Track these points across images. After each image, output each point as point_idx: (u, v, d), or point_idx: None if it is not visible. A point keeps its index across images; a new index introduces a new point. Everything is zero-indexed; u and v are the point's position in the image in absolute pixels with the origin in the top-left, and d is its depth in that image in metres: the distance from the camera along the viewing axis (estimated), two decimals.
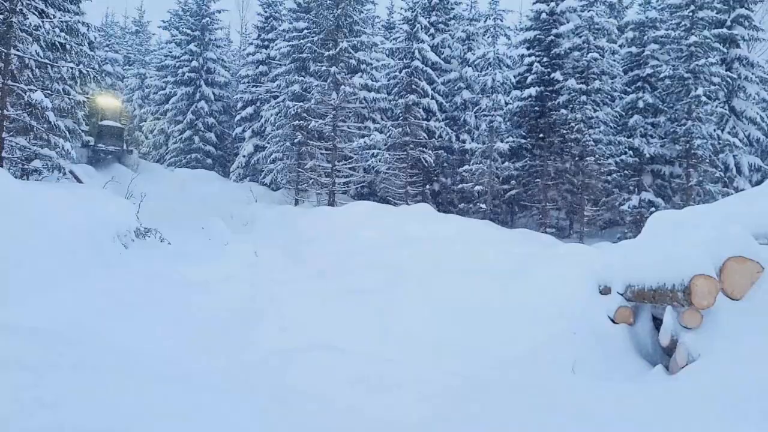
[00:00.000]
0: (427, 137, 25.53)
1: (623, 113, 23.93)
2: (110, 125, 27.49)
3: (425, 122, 25.40)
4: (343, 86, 24.70)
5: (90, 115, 25.92)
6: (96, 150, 26.51)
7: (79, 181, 17.93)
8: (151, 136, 37.61)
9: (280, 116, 27.99)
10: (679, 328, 6.20)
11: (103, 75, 31.56)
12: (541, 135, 23.72)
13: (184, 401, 4.27)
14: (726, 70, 23.47)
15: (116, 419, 3.68)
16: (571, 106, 22.43)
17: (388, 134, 25.37)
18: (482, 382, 5.74)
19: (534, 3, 24.99)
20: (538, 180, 23.64)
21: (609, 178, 22.99)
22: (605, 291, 7.77)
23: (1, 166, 13.07)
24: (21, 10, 13.64)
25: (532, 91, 23.27)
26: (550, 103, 23.27)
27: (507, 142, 23.68)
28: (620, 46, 25.83)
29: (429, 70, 26.09)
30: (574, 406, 5.15)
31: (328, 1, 25.61)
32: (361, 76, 25.39)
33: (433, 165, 25.71)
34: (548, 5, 24.22)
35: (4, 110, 13.61)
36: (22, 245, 7.83)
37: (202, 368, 5.82)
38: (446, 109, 27.03)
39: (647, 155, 23.04)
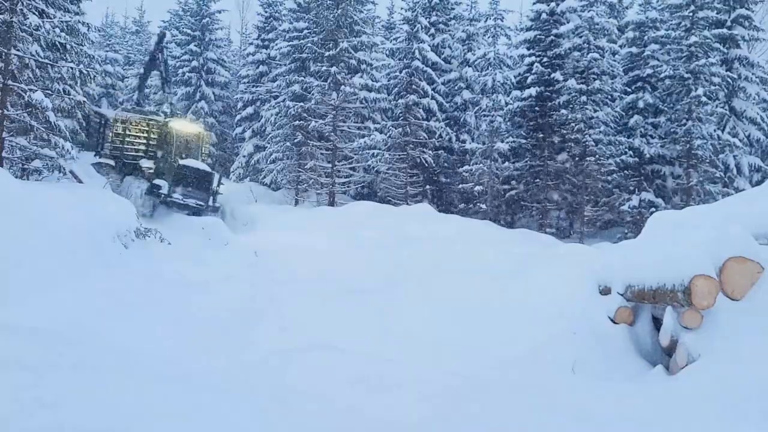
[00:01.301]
0: (427, 137, 25.53)
1: (623, 113, 23.93)
2: (196, 169, 18.39)
3: (425, 122, 25.40)
4: (343, 86, 24.71)
5: (160, 145, 19.81)
6: (170, 203, 17.70)
7: (79, 181, 17.91)
8: None
9: (280, 116, 28.00)
10: (679, 328, 6.19)
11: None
12: (541, 135, 23.72)
13: (184, 401, 4.26)
14: (726, 71, 23.46)
15: (116, 419, 3.68)
16: (571, 106, 22.43)
17: (388, 134, 25.37)
18: (482, 382, 5.73)
19: (534, 3, 24.99)
20: (538, 180, 23.64)
21: (609, 178, 22.99)
22: (605, 291, 7.77)
23: (1, 166, 13.07)
24: (21, 10, 13.64)
25: (533, 91, 23.27)
26: (550, 104, 23.27)
27: (507, 142, 23.68)
28: (620, 46, 25.84)
29: (429, 70, 26.10)
30: (574, 406, 5.15)
31: (329, 1, 25.63)
32: (361, 76, 25.40)
33: (434, 165, 25.72)
34: (548, 5, 24.22)
35: (5, 110, 13.61)
36: (22, 245, 7.83)
37: (202, 368, 5.82)
38: (446, 110, 27.03)
39: (647, 155, 23.05)
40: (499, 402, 5.14)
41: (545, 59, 23.86)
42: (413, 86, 25.44)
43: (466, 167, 24.04)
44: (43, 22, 13.98)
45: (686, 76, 22.06)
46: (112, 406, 3.83)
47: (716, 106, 22.71)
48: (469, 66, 26.69)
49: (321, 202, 25.17)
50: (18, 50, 13.75)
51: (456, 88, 27.39)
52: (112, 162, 20.89)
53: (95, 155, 21.53)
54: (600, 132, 22.39)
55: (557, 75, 23.16)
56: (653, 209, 20.77)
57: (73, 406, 3.70)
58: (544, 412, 4.95)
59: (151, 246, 11.71)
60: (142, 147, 20.74)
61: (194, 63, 35.21)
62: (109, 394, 4.05)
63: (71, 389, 3.96)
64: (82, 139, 22.94)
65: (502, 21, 26.73)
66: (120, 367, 5.01)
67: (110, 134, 21.31)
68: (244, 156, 32.37)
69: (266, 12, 34.48)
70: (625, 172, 23.51)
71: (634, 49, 24.98)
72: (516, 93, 24.19)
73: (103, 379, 4.37)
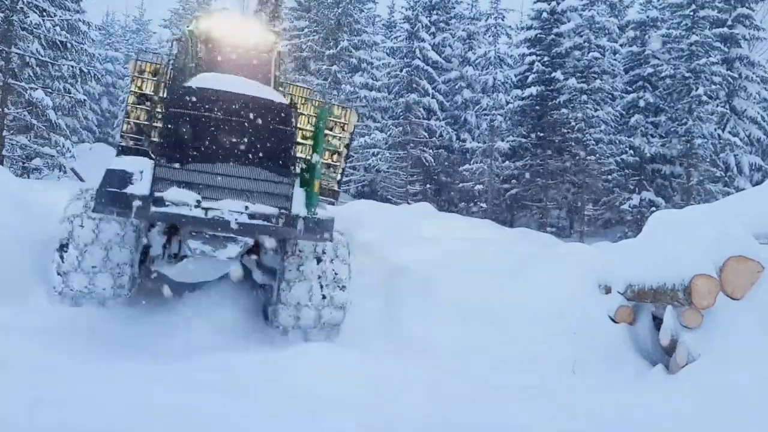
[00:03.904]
0: (427, 136, 25.54)
1: (624, 112, 23.94)
2: (239, 97, 8.15)
3: (426, 121, 25.40)
4: (343, 85, 24.70)
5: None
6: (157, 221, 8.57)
7: (80, 179, 17.92)
8: None
9: None
10: (679, 327, 6.19)
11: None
12: (541, 134, 23.72)
13: (184, 401, 4.26)
14: (727, 70, 23.46)
15: (116, 419, 3.68)
16: (571, 105, 22.43)
17: (388, 133, 25.38)
18: (482, 382, 5.74)
19: (535, 2, 24.98)
20: (538, 179, 23.63)
21: (609, 177, 22.99)
22: (605, 290, 7.76)
23: (2, 164, 13.07)
24: (22, 8, 13.65)
25: (533, 90, 23.26)
26: (550, 102, 23.27)
27: (507, 142, 23.68)
28: (621, 45, 25.83)
29: (430, 69, 26.10)
30: (574, 406, 5.15)
31: (329, 0, 25.62)
32: (361, 75, 25.40)
33: (434, 164, 25.72)
34: (549, 4, 24.22)
35: (5, 108, 13.62)
36: (22, 244, 7.82)
37: (203, 367, 5.82)
38: (447, 108, 27.03)
39: (648, 155, 23.05)
40: (499, 402, 5.15)
41: (546, 58, 23.86)
42: (414, 85, 25.44)
43: (467, 166, 24.05)
44: (43, 20, 14.01)
45: (687, 75, 22.05)
46: (112, 406, 3.83)
47: (717, 106, 22.72)
48: (470, 65, 26.70)
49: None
50: (18, 48, 13.75)
51: (456, 87, 27.39)
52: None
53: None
54: (600, 131, 22.39)
55: (558, 74, 23.16)
56: (654, 208, 20.78)
57: (73, 406, 3.70)
58: (543, 412, 4.95)
59: None
60: None
61: None
62: (110, 393, 4.05)
63: (71, 389, 3.96)
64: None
65: (503, 20, 26.73)
66: (120, 366, 5.01)
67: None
68: None
69: None
70: (626, 171, 23.52)
71: (634, 48, 24.99)
72: (516, 92, 24.20)
73: (104, 379, 4.37)
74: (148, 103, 8.63)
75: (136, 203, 5.83)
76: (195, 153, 6.06)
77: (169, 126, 6.15)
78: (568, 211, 24.92)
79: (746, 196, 8.90)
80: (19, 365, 4.41)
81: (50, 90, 14.72)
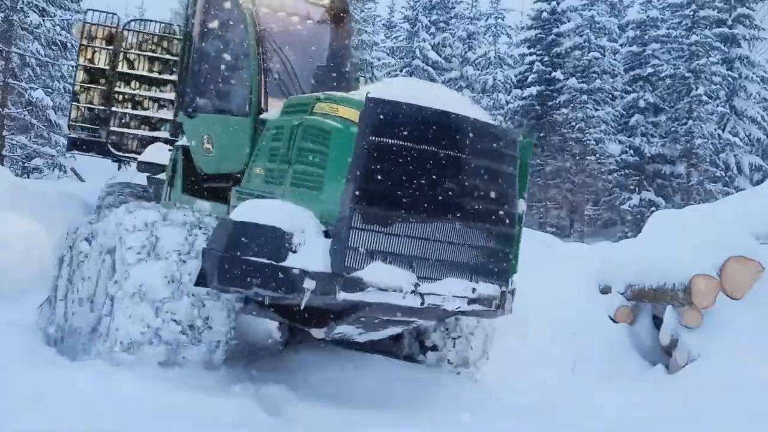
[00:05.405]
0: None
1: (624, 112, 23.96)
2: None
3: None
4: None
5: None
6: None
7: (80, 179, 17.91)
8: None
9: None
10: (679, 327, 6.19)
11: None
12: (542, 134, 23.75)
13: (184, 401, 4.26)
14: (727, 70, 23.49)
15: (116, 419, 3.68)
16: (571, 105, 22.45)
17: None
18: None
19: (535, 2, 25.00)
20: (538, 179, 23.65)
21: (610, 177, 23.01)
22: (605, 290, 7.76)
23: (2, 164, 13.08)
24: (22, 8, 13.66)
25: (533, 90, 23.28)
26: (551, 102, 23.29)
27: None
28: (621, 45, 25.86)
29: (430, 69, 26.11)
30: (574, 406, 5.15)
31: None
32: (362, 76, 25.42)
33: None
34: (549, 4, 24.26)
35: (5, 108, 13.63)
36: (21, 243, 7.82)
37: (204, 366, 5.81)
38: None
39: (648, 154, 23.07)
40: (499, 402, 5.15)
41: (546, 58, 23.91)
42: None
43: None
44: (43, 20, 14.01)
45: (687, 75, 22.08)
46: (112, 406, 3.83)
47: (717, 106, 22.74)
48: (470, 65, 26.72)
49: None
50: (18, 48, 13.76)
51: (456, 87, 27.38)
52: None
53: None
54: (600, 131, 22.41)
55: (558, 74, 23.21)
56: (654, 208, 20.79)
57: (73, 406, 3.70)
58: (543, 411, 4.96)
59: None
60: None
61: None
62: (110, 392, 4.04)
63: (71, 388, 3.96)
64: None
65: (503, 20, 26.77)
66: (121, 365, 5.00)
67: None
68: None
69: None
70: (626, 171, 23.54)
71: (634, 48, 25.00)
72: (517, 92, 24.22)
73: (104, 377, 4.37)
74: (103, 81, 6.69)
75: (311, 285, 3.72)
76: (409, 208, 3.75)
77: (369, 163, 3.67)
78: (568, 210, 24.94)
79: (746, 196, 8.91)
80: (19, 365, 4.41)
81: (50, 90, 14.73)
